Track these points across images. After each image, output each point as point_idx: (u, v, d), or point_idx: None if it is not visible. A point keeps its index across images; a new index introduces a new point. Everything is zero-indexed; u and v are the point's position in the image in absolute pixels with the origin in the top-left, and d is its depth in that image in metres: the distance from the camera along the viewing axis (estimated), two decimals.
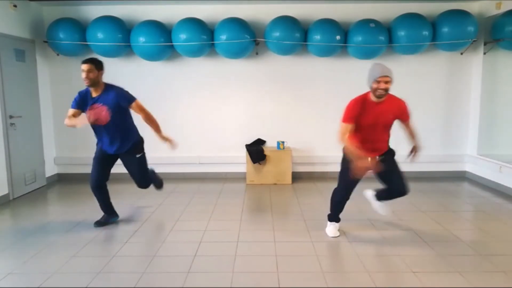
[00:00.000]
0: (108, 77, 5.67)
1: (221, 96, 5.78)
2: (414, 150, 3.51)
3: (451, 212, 4.22)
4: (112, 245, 3.41)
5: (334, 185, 5.50)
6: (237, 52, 5.28)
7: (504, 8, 4.98)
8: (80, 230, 3.74)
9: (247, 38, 5.18)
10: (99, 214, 4.21)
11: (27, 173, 5.16)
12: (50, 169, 5.78)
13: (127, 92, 3.61)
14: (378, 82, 3.07)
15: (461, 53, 5.57)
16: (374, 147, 3.30)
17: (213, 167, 5.93)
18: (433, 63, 5.67)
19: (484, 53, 5.39)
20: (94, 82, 3.47)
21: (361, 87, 5.70)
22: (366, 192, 3.84)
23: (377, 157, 3.33)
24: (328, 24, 5.22)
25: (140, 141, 3.82)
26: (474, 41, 5.27)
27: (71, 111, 3.58)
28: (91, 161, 5.81)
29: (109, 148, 3.66)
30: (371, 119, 3.17)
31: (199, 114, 5.82)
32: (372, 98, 3.17)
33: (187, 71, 5.71)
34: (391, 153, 3.41)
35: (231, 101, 5.80)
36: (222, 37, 5.13)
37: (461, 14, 5.14)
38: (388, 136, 3.38)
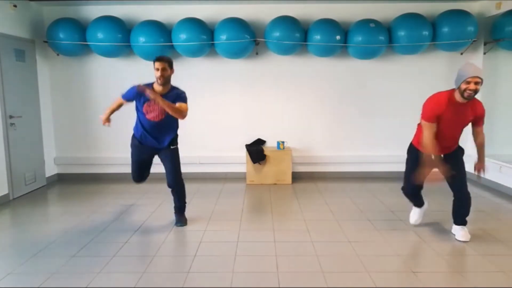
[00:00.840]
0: (108, 77, 5.74)
1: (221, 96, 5.78)
2: (478, 167, 3.50)
3: (451, 212, 4.21)
4: (112, 245, 3.40)
5: (334, 185, 5.59)
6: (237, 52, 5.28)
7: (504, 8, 4.98)
8: (80, 230, 3.73)
9: (247, 38, 5.18)
10: (99, 214, 4.22)
11: (27, 173, 5.16)
12: (50, 169, 5.78)
13: (185, 94, 3.67)
14: (468, 82, 2.99)
15: (461, 53, 5.57)
16: (446, 145, 3.35)
17: (213, 167, 5.93)
18: (433, 63, 5.67)
19: (484, 53, 5.39)
20: (167, 80, 3.53)
21: (361, 87, 5.77)
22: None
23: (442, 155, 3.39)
24: (328, 24, 5.22)
25: (177, 135, 3.87)
26: (474, 41, 5.27)
27: (119, 100, 3.70)
28: (91, 161, 5.89)
29: (155, 143, 3.70)
30: (452, 118, 3.16)
31: (199, 114, 5.82)
32: (457, 97, 3.12)
33: (187, 71, 5.70)
34: (459, 150, 3.50)
35: (231, 101, 5.80)
36: (222, 37, 5.13)
37: (461, 14, 5.14)
38: (460, 134, 3.41)
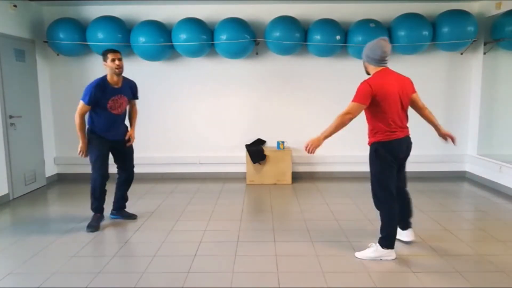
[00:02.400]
0: None
1: (221, 96, 5.78)
2: None
3: (451, 212, 4.22)
4: (112, 245, 3.41)
5: (334, 185, 5.58)
6: (237, 52, 5.28)
7: (504, 8, 4.98)
8: (80, 230, 3.74)
9: (247, 38, 5.18)
10: None
11: (27, 173, 5.16)
12: (50, 169, 5.78)
13: (136, 87, 3.99)
14: None
15: (461, 53, 5.57)
16: None
17: (213, 167, 5.93)
18: (433, 63, 5.67)
19: (484, 53, 5.39)
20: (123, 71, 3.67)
21: None
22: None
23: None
24: (328, 24, 5.22)
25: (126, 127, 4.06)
26: (474, 41, 5.27)
27: (85, 107, 3.57)
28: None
29: (118, 136, 3.83)
30: None
31: (199, 114, 5.82)
32: None
33: (187, 71, 5.71)
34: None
35: (231, 101, 5.79)
36: (222, 37, 5.13)
37: (461, 14, 5.14)
38: (369, 121, 3.08)
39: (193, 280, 2.75)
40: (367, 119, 3.07)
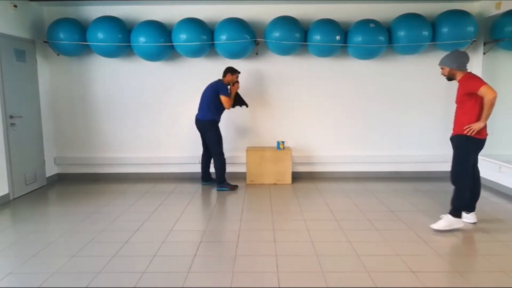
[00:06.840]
0: (108, 77, 5.74)
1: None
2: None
3: None
4: (112, 245, 3.41)
5: (334, 185, 5.59)
6: (237, 52, 5.28)
7: (504, 8, 4.98)
8: (80, 230, 3.74)
9: (247, 38, 5.18)
10: (98, 214, 4.22)
11: (27, 173, 5.16)
12: (50, 169, 5.78)
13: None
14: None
15: None
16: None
17: (213, 167, 5.91)
18: (433, 63, 5.65)
19: (484, 53, 5.39)
20: None
21: (361, 87, 5.77)
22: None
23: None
24: (328, 24, 5.22)
25: None
26: (474, 41, 5.27)
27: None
28: (91, 161, 5.90)
29: None
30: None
31: None
32: None
33: (187, 71, 5.71)
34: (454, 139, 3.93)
35: None
36: (222, 37, 5.13)
37: (461, 14, 5.14)
38: (459, 113, 3.84)
39: (193, 280, 2.76)
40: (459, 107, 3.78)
